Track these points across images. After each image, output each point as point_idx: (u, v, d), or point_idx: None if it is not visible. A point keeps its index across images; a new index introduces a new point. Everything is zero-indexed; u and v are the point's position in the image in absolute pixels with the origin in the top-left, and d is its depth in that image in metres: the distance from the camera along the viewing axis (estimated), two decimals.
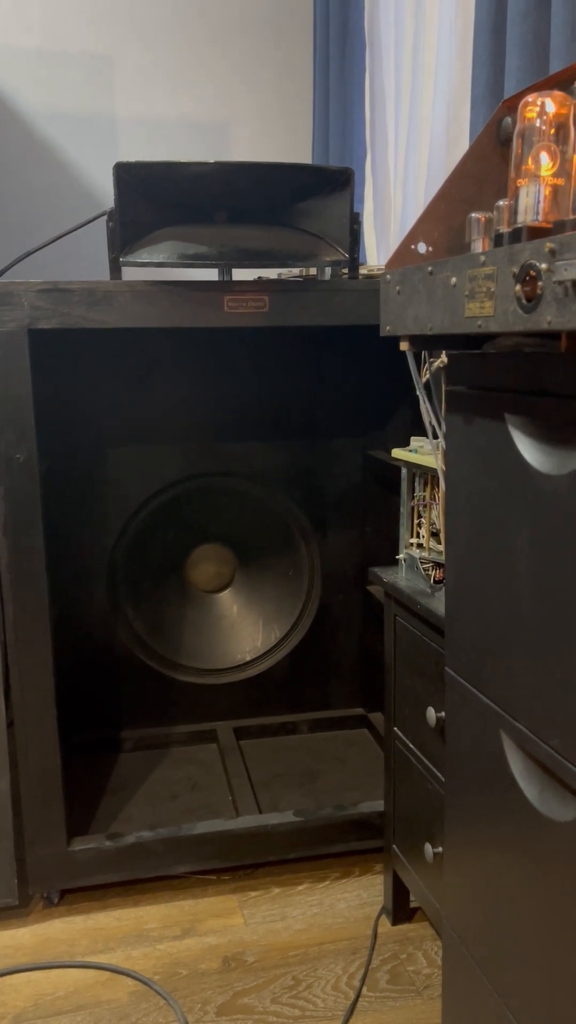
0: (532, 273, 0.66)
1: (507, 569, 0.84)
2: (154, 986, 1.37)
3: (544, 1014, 0.84)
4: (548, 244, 0.64)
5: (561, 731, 0.77)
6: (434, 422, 1.05)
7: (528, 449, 0.79)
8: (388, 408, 1.96)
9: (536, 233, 0.73)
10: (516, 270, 0.68)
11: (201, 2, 2.44)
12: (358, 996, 1.35)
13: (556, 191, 0.76)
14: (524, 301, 0.67)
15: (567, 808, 0.78)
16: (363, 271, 1.58)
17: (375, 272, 1.60)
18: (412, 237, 0.93)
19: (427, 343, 0.90)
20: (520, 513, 0.81)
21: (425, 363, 1.03)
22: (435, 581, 1.31)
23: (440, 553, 1.30)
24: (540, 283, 0.65)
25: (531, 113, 0.76)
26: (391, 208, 2.12)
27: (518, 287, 0.68)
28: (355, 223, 1.47)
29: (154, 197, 1.40)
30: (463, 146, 1.76)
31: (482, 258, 0.73)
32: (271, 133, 2.56)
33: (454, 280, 0.78)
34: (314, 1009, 1.32)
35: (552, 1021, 0.83)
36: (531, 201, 0.76)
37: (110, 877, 1.55)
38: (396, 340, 0.95)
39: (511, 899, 0.89)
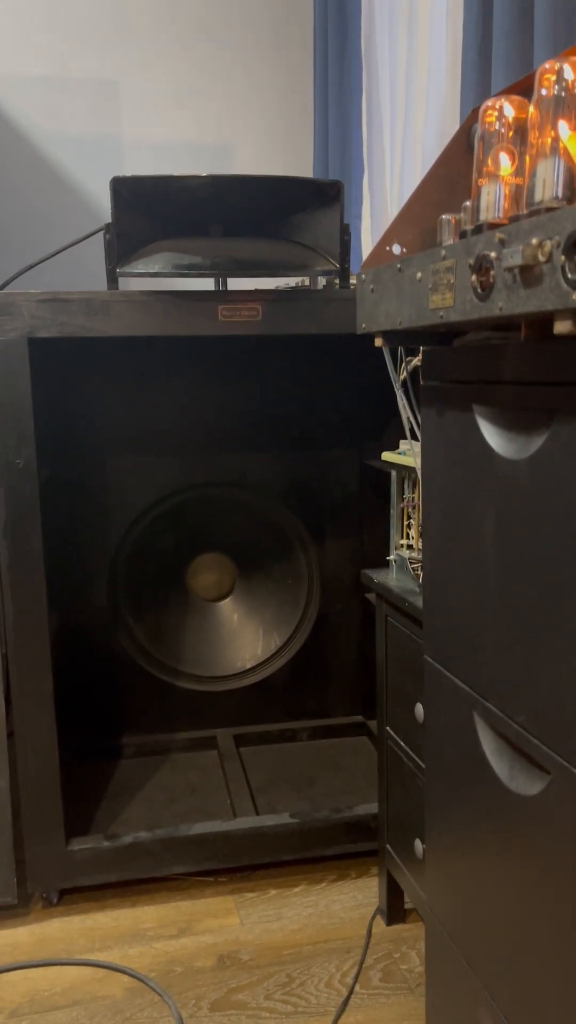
0: (486, 263, 0.69)
1: (476, 554, 0.87)
2: (149, 983, 1.39)
3: (522, 996, 0.86)
4: (498, 235, 0.68)
5: (527, 707, 0.79)
6: (411, 419, 1.08)
7: (492, 436, 0.82)
8: (384, 417, 1.99)
9: (495, 229, 0.77)
10: (472, 261, 0.72)
11: (204, 27, 2.51)
12: (351, 993, 1.36)
13: (515, 190, 0.80)
14: (479, 290, 0.71)
15: (533, 782, 0.80)
16: (355, 281, 1.62)
17: None
18: (387, 239, 0.97)
19: (400, 339, 0.94)
20: (486, 499, 0.84)
21: (402, 362, 1.06)
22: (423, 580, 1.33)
23: None
24: (492, 272, 0.69)
25: (491, 117, 0.80)
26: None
27: (474, 277, 0.72)
28: (345, 234, 1.51)
29: (150, 210, 1.45)
30: None
31: (443, 252, 0.77)
32: (273, 154, 2.62)
33: (419, 275, 0.82)
34: (306, 1005, 1.33)
35: (531, 1003, 0.85)
36: (491, 199, 0.80)
37: (108, 877, 1.57)
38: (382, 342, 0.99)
39: (487, 881, 0.91)
